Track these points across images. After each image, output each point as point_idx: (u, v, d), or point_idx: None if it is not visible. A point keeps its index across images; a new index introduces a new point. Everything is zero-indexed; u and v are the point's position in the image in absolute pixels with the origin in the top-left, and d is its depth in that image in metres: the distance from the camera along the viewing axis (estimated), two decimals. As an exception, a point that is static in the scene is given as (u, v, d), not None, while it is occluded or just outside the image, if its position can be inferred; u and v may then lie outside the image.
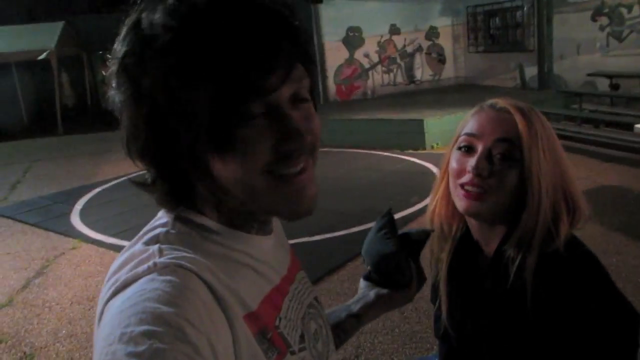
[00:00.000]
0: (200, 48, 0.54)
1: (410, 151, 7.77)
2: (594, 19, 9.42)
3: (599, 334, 0.91)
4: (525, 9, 10.60)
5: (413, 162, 7.19)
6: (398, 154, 7.82)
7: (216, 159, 0.58)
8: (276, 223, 0.76)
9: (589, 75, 8.93)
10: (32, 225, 5.88)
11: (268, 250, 0.70)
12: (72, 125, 12.65)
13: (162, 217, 0.65)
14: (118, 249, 4.65)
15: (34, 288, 4.25)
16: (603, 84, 8.92)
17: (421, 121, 8.08)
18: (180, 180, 0.62)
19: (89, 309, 3.78)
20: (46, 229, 5.68)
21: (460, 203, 1.01)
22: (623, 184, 5.55)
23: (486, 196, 0.97)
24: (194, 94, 0.55)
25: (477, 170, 0.96)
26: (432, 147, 7.92)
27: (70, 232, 5.50)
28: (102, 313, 0.55)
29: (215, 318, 0.54)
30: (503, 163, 0.97)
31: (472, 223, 1.08)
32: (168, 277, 0.53)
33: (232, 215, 0.65)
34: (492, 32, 11.62)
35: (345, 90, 12.04)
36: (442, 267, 1.14)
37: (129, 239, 0.65)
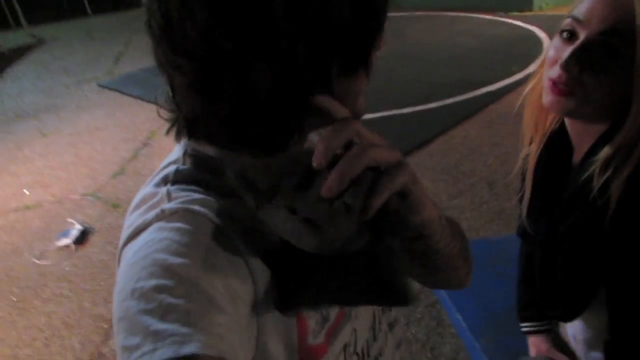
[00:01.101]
0: None
1: (516, 13, 7.08)
2: None
3: None
4: None
5: (517, 25, 6.56)
6: (501, 16, 7.17)
7: (345, 78, 0.55)
8: None
9: None
10: (136, 97, 6.24)
11: None
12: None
13: (175, 152, 0.63)
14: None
15: (141, 158, 4.60)
16: None
17: (530, -23, 7.24)
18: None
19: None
20: (148, 101, 6.00)
21: (545, 97, 0.88)
22: None
23: (575, 94, 0.84)
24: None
25: (566, 66, 0.82)
26: (541, 8, 7.16)
27: (170, 103, 5.74)
28: (120, 256, 0.55)
29: (231, 259, 0.52)
30: (605, 59, 0.81)
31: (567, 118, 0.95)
32: (177, 225, 0.51)
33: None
34: None
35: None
36: (529, 161, 1.05)
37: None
